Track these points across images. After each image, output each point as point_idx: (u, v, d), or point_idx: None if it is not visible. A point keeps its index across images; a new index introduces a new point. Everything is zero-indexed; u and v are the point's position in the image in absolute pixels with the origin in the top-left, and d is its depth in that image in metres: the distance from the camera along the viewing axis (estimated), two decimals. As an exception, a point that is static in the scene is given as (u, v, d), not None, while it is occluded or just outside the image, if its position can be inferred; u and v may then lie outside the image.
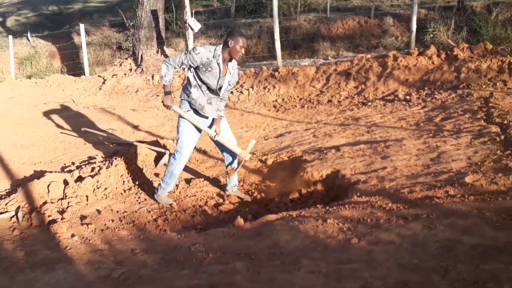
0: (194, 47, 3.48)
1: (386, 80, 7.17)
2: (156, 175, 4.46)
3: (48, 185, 3.95)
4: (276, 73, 8.36)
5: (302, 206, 3.56)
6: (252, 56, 12.87)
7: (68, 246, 3.09)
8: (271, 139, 5.61)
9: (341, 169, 3.91)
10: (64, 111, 8.13)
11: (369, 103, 6.72)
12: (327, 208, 3.13)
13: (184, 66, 3.51)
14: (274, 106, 7.67)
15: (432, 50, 7.03)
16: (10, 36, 11.87)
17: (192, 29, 8.95)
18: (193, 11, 10.86)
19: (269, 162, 4.61)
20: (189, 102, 3.64)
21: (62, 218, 3.53)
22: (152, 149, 4.84)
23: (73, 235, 3.25)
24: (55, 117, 7.62)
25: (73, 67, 14.66)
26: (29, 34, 17.46)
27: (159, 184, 3.82)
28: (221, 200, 3.89)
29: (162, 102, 3.62)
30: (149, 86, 9.37)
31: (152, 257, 2.87)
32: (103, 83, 9.98)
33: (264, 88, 8.24)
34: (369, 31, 12.60)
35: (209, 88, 3.60)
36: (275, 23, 8.81)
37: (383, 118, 5.70)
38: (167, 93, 3.59)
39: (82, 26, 10.52)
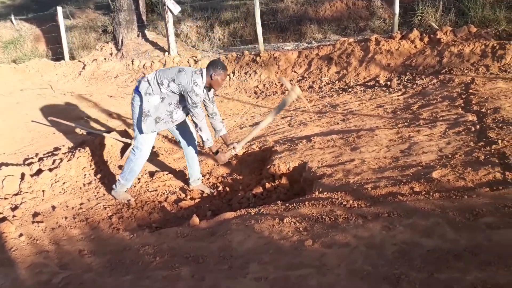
0: (193, 89, 3.28)
1: (367, 65, 6.97)
2: (120, 167, 4.28)
3: (3, 180, 3.77)
4: (258, 58, 8.13)
5: (264, 201, 3.40)
6: (239, 39, 12.58)
7: (13, 247, 2.92)
8: (246, 128, 5.43)
9: (308, 161, 3.74)
10: (40, 98, 7.87)
11: (350, 89, 6.53)
12: (287, 205, 2.97)
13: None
14: (255, 92, 7.47)
15: (415, 33, 6.81)
16: (-14, 20, 11.42)
17: (171, 12, 8.64)
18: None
19: (240, 153, 4.43)
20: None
21: (13, 216, 3.36)
22: (118, 140, 4.65)
23: (21, 235, 3.08)
24: (29, 104, 7.37)
25: (58, 51, 14.30)
26: (12, 17, 16.99)
27: (118, 180, 3.64)
28: (183, 195, 3.72)
29: (218, 162, 3.78)
30: (129, 71, 9.11)
31: (99, 260, 2.71)
32: (83, 68, 9.69)
33: (246, 73, 8.02)
34: (357, 14, 12.26)
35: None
36: (256, 6, 8.55)
37: (361, 106, 5.52)
38: (217, 152, 3.65)
39: (59, 9, 10.18)
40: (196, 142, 3.82)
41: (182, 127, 3.72)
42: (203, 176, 4.05)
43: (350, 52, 7.34)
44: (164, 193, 3.73)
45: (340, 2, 12.90)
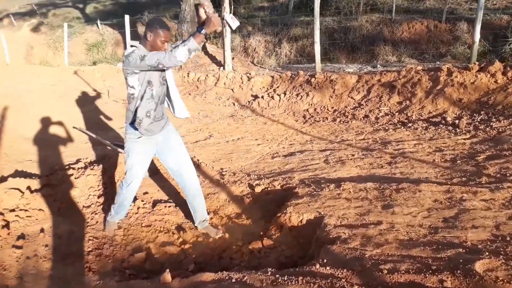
0: (129, 54, 2.63)
1: (435, 98, 6.04)
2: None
3: (5, 192, 3.62)
4: (313, 79, 7.53)
5: (260, 261, 2.83)
6: (306, 57, 12.08)
7: (-24, 275, 2.69)
8: (279, 158, 4.88)
9: (326, 216, 3.09)
10: (92, 104, 8.02)
11: (410, 124, 5.68)
12: (277, 276, 2.37)
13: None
14: (304, 116, 6.89)
15: (497, 66, 5.76)
16: (65, 24, 12.20)
17: (230, 27, 8.35)
18: (233, 7, 10.24)
19: (258, 189, 3.90)
20: (139, 126, 2.86)
21: (-2, 236, 3.15)
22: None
23: (-7, 260, 2.85)
24: (78, 109, 7.51)
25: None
26: (98, 22, 18.21)
27: (111, 209, 3.28)
28: (175, 237, 3.26)
29: (211, 32, 2.66)
30: (184, 83, 9.01)
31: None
32: (142, 76, 9.81)
33: (297, 95, 7.46)
34: (438, 37, 11.14)
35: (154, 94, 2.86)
36: (316, 24, 7.96)
37: (416, 147, 4.69)
38: (200, 29, 2.61)
39: (127, 18, 10.44)
40: (196, 175, 3.24)
41: (175, 156, 3.09)
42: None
43: (416, 81, 6.46)
44: (156, 230, 3.31)
45: (420, 24, 11.85)
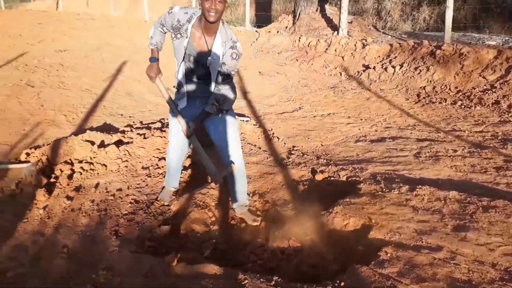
0: (172, 7, 2.63)
1: None
2: (190, 157, 3.89)
3: (79, 144, 3.88)
4: (438, 51, 6.37)
5: (279, 263, 2.45)
6: (455, 25, 10.40)
7: (27, 218, 2.95)
8: (363, 143, 4.25)
9: (376, 227, 2.52)
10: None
11: (552, 119, 4.39)
12: (278, 291, 2.00)
13: (165, 29, 2.67)
14: (418, 95, 5.92)
15: None
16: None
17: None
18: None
19: (319, 177, 3.43)
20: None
21: (60, 184, 3.39)
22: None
23: (45, 208, 3.07)
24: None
25: (262, 18, 14.86)
26: (231, -21, 18.48)
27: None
28: (209, 215, 3.05)
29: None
30: (293, 48, 8.57)
31: (58, 269, 2.42)
32: (256, 39, 9.67)
33: (416, 68, 6.43)
34: None
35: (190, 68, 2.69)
36: (451, -16, 6.61)
37: (548, 150, 3.57)
38: (152, 59, 2.72)
39: (249, -23, 10.27)
40: (240, 157, 2.89)
41: (220, 130, 2.79)
42: (251, 195, 3.26)
43: None
44: (193, 205, 3.14)
45: None
